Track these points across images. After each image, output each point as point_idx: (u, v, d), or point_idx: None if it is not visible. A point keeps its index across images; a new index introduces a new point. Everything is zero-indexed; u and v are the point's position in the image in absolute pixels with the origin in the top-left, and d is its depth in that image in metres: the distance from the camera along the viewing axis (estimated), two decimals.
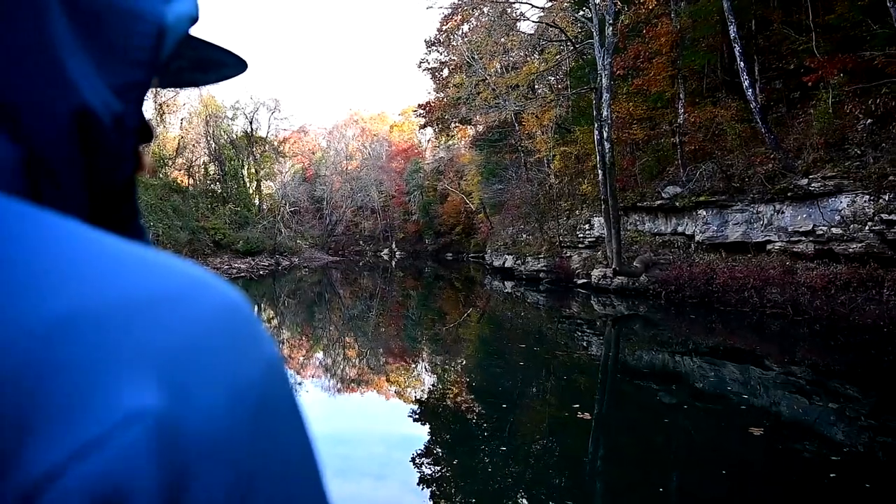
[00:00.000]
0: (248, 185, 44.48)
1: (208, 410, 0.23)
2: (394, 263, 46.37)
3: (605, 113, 15.72)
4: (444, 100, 32.41)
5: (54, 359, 0.20)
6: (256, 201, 46.20)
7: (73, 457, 0.19)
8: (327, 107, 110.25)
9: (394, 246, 57.35)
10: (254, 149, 45.15)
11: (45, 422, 0.20)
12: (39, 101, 0.27)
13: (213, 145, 39.96)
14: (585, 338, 11.52)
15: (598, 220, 20.15)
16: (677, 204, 16.60)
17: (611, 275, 17.45)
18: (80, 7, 0.30)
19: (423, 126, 37.16)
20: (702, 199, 15.42)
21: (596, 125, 17.70)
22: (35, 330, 0.21)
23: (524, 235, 26.22)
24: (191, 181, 39.08)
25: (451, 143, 52.28)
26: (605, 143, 15.94)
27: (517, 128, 28.25)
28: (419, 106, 36.50)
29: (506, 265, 25.63)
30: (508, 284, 22.52)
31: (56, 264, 0.22)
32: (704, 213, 15.57)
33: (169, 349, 0.23)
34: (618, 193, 16.38)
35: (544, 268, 21.89)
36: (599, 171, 17.65)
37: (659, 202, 17.27)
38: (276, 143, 48.10)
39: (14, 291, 0.21)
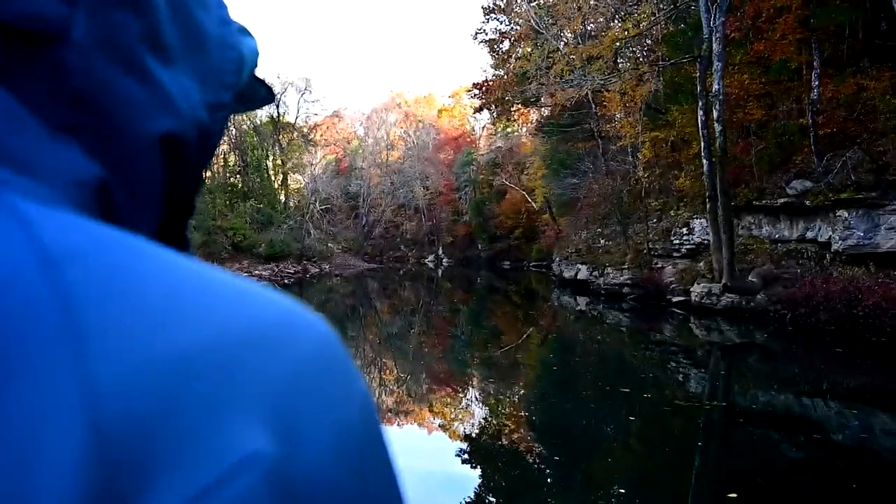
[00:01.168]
0: (272, 178, 45.22)
1: (317, 454, 0.26)
2: (440, 272, 46.60)
3: (715, 86, 14.61)
4: (505, 77, 31.76)
5: (174, 399, 0.23)
6: (282, 197, 46.68)
7: (193, 501, 0.21)
8: (365, 88, 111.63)
9: (440, 251, 57.47)
10: (280, 136, 45.67)
11: (165, 464, 0.22)
12: (134, 117, 0.32)
13: (233, 131, 40.51)
14: (682, 370, 11.12)
15: (699, 223, 19.24)
16: (807, 203, 15.47)
17: (718, 291, 16.41)
18: (189, 28, 0.37)
19: (478, 109, 36.52)
20: (843, 196, 14.10)
21: (700, 103, 16.57)
22: (153, 369, 0.23)
23: (602, 241, 25.67)
24: (207, 173, 39.66)
25: (510, 129, 52.15)
26: (716, 124, 14.81)
27: (594, 109, 27.56)
28: (474, 85, 35.93)
29: (578, 277, 25.49)
30: (581, 301, 22.33)
31: (162, 299, 0.25)
32: (846, 214, 14.24)
33: (276, 390, 0.26)
34: (730, 189, 15.14)
35: (628, 281, 21.37)
36: (704, 160, 16.56)
37: (782, 200, 16.14)
38: (305, 130, 48.64)
39: (128, 328, 0.23)
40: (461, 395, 9.64)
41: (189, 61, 0.37)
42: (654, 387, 9.73)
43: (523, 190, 46.36)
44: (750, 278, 15.77)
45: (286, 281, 32.11)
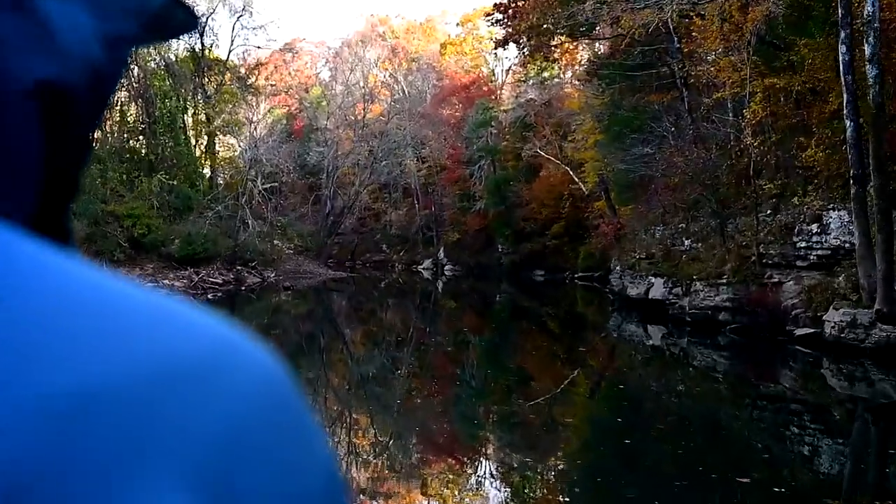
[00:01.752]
0: (192, 142, 45.12)
1: None
2: (440, 285, 47.29)
3: (868, 9, 14.27)
4: None
5: (71, 449, 0.24)
6: (206, 171, 46.72)
7: None
8: (333, 11, 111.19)
9: (441, 255, 57.63)
10: (205, 79, 45.64)
11: None
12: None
13: (134, 71, 40.08)
14: (809, 441, 11.28)
15: (837, 217, 18.97)
16: None
17: (867, 321, 16.07)
18: None
19: (501, 44, 36.01)
20: None
21: (842, 35, 16.23)
22: (38, 413, 0.24)
23: (687, 241, 25.54)
24: (96, 134, 39.65)
25: (548, 74, 52.27)
26: (868, 66, 14.46)
27: (677, 44, 27.33)
28: (495, 7, 35.50)
29: (650, 295, 25.78)
30: (655, 332, 22.57)
31: (52, 321, 0.26)
32: None
33: (205, 445, 0.27)
34: (887, 165, 14.83)
35: (727, 302, 21.40)
36: (847, 122, 16.26)
37: None
38: (242, 71, 48.64)
39: (8, 362, 0.25)
40: (469, 476, 9.80)
41: None
42: (765, 464, 9.74)
43: (567, 164, 46.40)
44: None
45: (210, 296, 32.05)
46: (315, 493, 0.30)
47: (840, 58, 16.50)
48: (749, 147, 21.79)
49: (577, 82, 48.43)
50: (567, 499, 8.44)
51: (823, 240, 19.46)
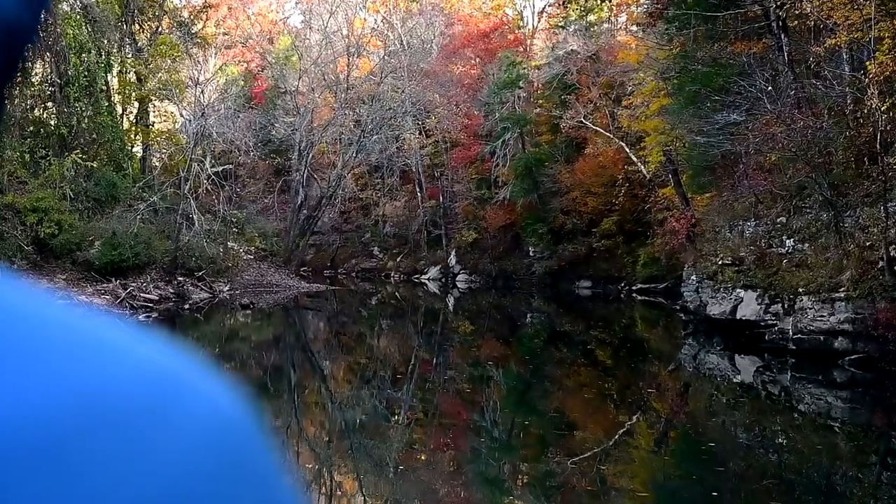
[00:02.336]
0: (118, 110, 44.86)
1: None
2: (451, 301, 47.79)
3: None
4: None
5: None
6: (137, 149, 46.78)
7: None
8: None
9: (453, 260, 58.09)
10: (135, 26, 45.40)
11: None
12: None
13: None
14: None
15: None
16: None
17: None
18: None
19: None
20: None
21: None
22: None
23: (788, 240, 25.23)
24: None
25: (594, 17, 52.60)
26: None
27: None
28: None
29: (739, 314, 25.64)
30: (745, 364, 22.52)
31: None
32: None
33: (170, 485, 0.30)
34: None
35: (846, 324, 21.05)
36: None
37: None
38: (185, 15, 48.34)
39: None
40: None
41: None
42: None
43: (621, 139, 46.72)
44: None
45: (144, 316, 31.68)
46: None
47: None
48: (874, 112, 21.28)
49: (634, 28, 49.02)
50: None
51: None
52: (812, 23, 25.55)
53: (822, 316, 21.50)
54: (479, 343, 31.21)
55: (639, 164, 44.49)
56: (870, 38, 21.11)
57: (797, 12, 25.78)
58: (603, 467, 13.14)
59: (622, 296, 46.39)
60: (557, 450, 14.48)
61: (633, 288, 46.27)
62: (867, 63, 21.73)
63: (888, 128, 21.66)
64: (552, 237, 52.66)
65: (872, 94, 21.16)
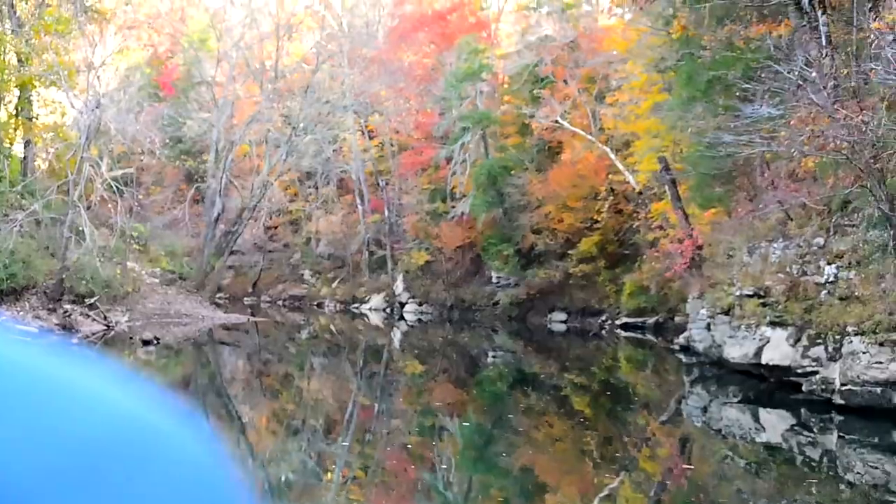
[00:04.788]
0: None
1: None
2: (397, 336, 47.80)
3: None
4: None
5: None
6: (17, 149, 46.03)
7: None
8: None
9: (399, 286, 57.96)
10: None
11: None
12: None
13: None
14: None
15: None
16: None
17: None
18: None
19: None
20: None
21: None
22: None
23: (828, 267, 24.48)
24: None
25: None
26: None
27: None
28: None
29: (763, 358, 25.25)
30: (774, 420, 22.38)
31: None
32: None
33: None
34: None
35: None
36: None
37: None
38: None
39: None
40: None
41: None
42: None
43: (604, 142, 46.67)
44: None
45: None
46: None
47: None
48: None
49: (619, 10, 48.56)
50: None
51: None
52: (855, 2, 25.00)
53: (881, 362, 20.70)
54: (431, 387, 31.05)
55: (626, 173, 44.33)
56: None
57: None
58: None
59: (603, 332, 46.32)
60: None
61: (617, 322, 46.27)
62: None
63: None
64: (520, 260, 52.47)
65: None
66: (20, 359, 0.42)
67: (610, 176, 46.57)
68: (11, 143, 44.83)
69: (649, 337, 41.98)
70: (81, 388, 0.43)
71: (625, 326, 45.04)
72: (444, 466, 18.70)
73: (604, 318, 47.46)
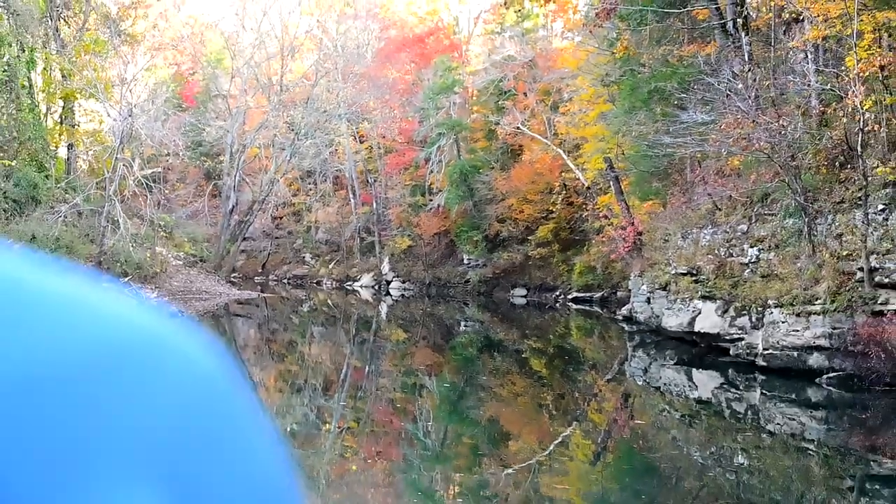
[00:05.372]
0: (41, 108, 43.33)
1: None
2: (384, 309, 46.96)
3: None
4: None
5: (15, 433, 0.31)
6: (62, 151, 45.35)
7: None
8: None
9: (386, 267, 57.35)
10: (61, 21, 43.93)
11: None
12: None
13: None
14: None
15: None
16: None
17: None
18: None
19: None
20: None
21: None
22: None
23: (751, 249, 24.33)
24: None
25: (531, 24, 52.45)
26: None
27: None
28: None
29: (696, 327, 24.93)
30: (705, 379, 22.01)
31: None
32: None
33: (160, 434, 0.35)
34: None
35: (822, 339, 19.93)
36: None
37: None
38: (113, 11, 46.63)
39: None
40: None
41: None
42: None
43: (559, 146, 46.06)
44: None
45: None
46: (267, 477, 0.37)
47: None
48: (856, 112, 20.02)
49: (570, 34, 49.04)
50: None
51: None
52: (773, 23, 24.92)
53: (796, 330, 20.50)
54: (412, 351, 30.76)
55: (576, 171, 43.63)
56: (853, 32, 19.71)
57: (766, 7, 25.07)
58: (537, 479, 12.88)
59: (557, 304, 45.72)
60: (490, 460, 14.42)
61: (569, 297, 45.72)
62: (847, 59, 20.47)
63: (863, 128, 20.44)
64: (487, 245, 52.28)
65: (857, 91, 19.76)
66: (23, 275, 0.36)
67: (563, 174, 46.02)
68: (57, 147, 44.40)
69: (596, 309, 41.47)
70: (88, 301, 0.37)
71: (575, 300, 44.53)
72: (424, 418, 18.48)
73: (557, 293, 46.94)
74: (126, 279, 39.11)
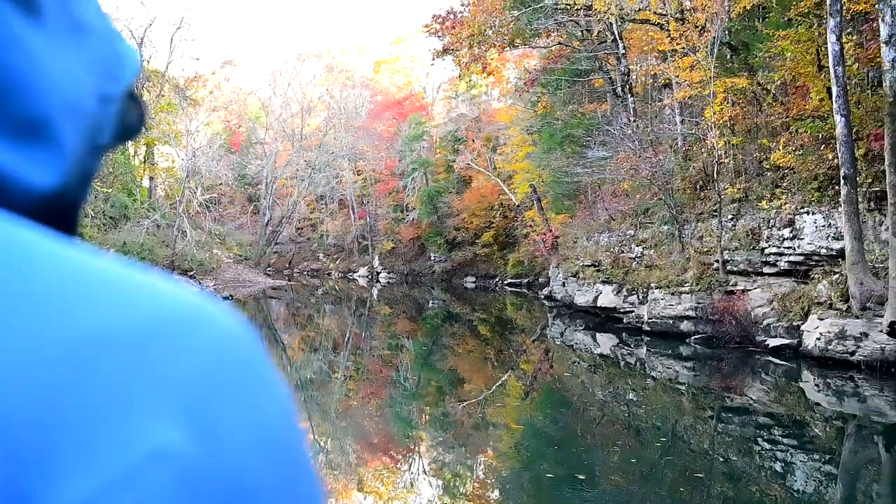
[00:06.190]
0: (129, 151, 42.46)
1: (237, 455, 0.32)
2: (375, 293, 45.69)
3: None
4: (485, 3, 28.51)
5: (73, 386, 0.28)
6: (145, 181, 44.54)
7: (97, 494, 0.27)
8: (270, 32, 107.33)
9: (376, 262, 56.35)
10: (143, 90, 42.23)
11: (69, 455, 0.27)
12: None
13: None
14: (781, 456, 9.70)
15: (812, 220, 17.06)
16: None
17: (859, 332, 13.93)
18: (66, 3, 0.43)
19: (441, 54, 33.12)
20: None
21: (831, 23, 13.69)
22: (49, 356, 0.29)
23: (636, 247, 24.03)
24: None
25: (476, 91, 51.87)
26: (886, 48, 11.65)
27: (622, 49, 25.77)
28: (434, 19, 32.54)
29: (599, 303, 24.43)
30: (605, 340, 21.06)
31: (53, 287, 0.31)
32: None
33: (191, 380, 0.32)
34: None
35: (690, 311, 19.40)
36: (838, 118, 13.85)
37: None
38: (181, 83, 45.58)
39: (18, 315, 0.29)
40: (402, 473, 9.55)
41: (69, 39, 0.41)
42: (728, 480, 8.65)
43: (497, 176, 45.41)
44: None
45: None
46: (277, 421, 0.34)
47: (829, 48, 13.99)
48: (714, 149, 19.67)
49: (503, 98, 48.74)
50: (498, 495, 8.43)
51: (796, 245, 17.44)
52: (653, 84, 24.22)
53: (671, 304, 20.02)
54: (395, 321, 29.86)
55: (510, 194, 42.90)
56: (710, 92, 19.26)
57: (643, 73, 24.61)
58: (484, 409, 12.83)
59: (497, 288, 44.73)
60: (451, 397, 14.34)
61: (505, 282, 44.74)
62: (705, 111, 20.01)
63: (721, 161, 20.12)
64: (447, 246, 51.47)
65: (715, 134, 19.49)
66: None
67: (500, 196, 45.28)
68: (141, 179, 43.86)
69: (525, 291, 40.60)
70: (128, 278, 0.35)
71: (510, 284, 43.66)
72: (404, 368, 18.39)
73: (497, 279, 46.07)
74: (192, 273, 38.67)
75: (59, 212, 0.40)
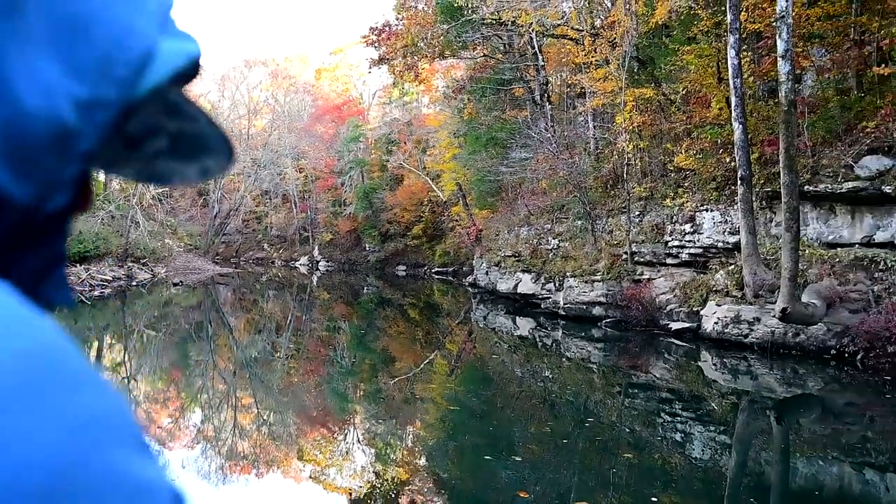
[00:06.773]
0: None
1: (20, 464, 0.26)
2: (315, 279, 44.73)
3: (780, 3, 11.32)
4: (418, 17, 27.93)
5: None
6: (101, 175, 41.91)
7: None
8: (219, 39, 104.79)
9: (316, 252, 55.34)
10: None
11: None
12: None
13: None
14: (682, 427, 9.78)
15: (710, 217, 17.07)
16: (887, 189, 13.09)
17: (752, 317, 13.88)
18: (57, 10, 0.36)
19: (377, 63, 32.46)
20: None
21: (731, 39, 13.55)
22: None
23: (553, 240, 23.66)
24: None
25: (409, 98, 51.17)
26: (782, 62, 11.49)
27: (541, 61, 25.53)
28: (371, 31, 31.87)
29: (519, 290, 23.89)
30: (523, 324, 20.54)
31: None
32: None
33: None
34: (795, 164, 11.95)
35: (601, 298, 19.09)
36: (736, 125, 13.73)
37: (849, 185, 13.67)
38: None
39: None
40: (338, 444, 9.33)
41: (55, 42, 0.35)
42: (632, 447, 8.60)
43: (426, 175, 44.89)
44: (808, 300, 12.70)
45: (99, 292, 27.99)
46: (45, 453, 0.28)
47: (729, 62, 13.87)
48: (624, 152, 19.48)
49: (433, 104, 48.16)
50: (425, 462, 8.33)
51: (696, 239, 17.38)
52: (568, 93, 23.91)
53: (585, 292, 19.62)
54: (333, 305, 29.03)
55: (438, 191, 42.45)
56: (622, 101, 19.01)
57: (559, 84, 24.30)
58: (413, 385, 12.66)
59: (425, 276, 44.13)
60: (384, 374, 14.16)
61: (433, 270, 44.28)
62: (616, 118, 19.87)
63: (630, 164, 19.98)
64: (381, 238, 50.75)
65: (625, 139, 19.25)
66: None
67: (429, 193, 44.76)
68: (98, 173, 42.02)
69: (451, 279, 40.02)
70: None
71: (437, 273, 43.17)
72: (341, 348, 17.90)
73: (425, 268, 45.60)
74: (144, 260, 37.36)
75: (40, 222, 0.35)
